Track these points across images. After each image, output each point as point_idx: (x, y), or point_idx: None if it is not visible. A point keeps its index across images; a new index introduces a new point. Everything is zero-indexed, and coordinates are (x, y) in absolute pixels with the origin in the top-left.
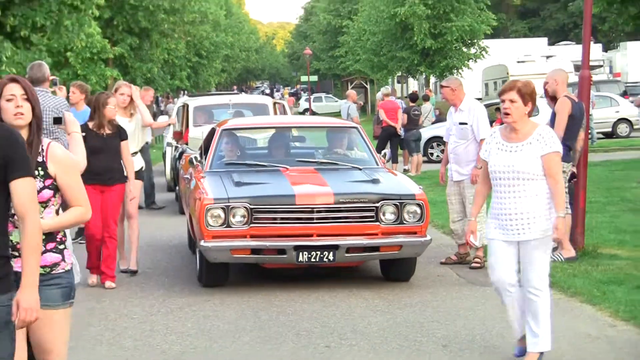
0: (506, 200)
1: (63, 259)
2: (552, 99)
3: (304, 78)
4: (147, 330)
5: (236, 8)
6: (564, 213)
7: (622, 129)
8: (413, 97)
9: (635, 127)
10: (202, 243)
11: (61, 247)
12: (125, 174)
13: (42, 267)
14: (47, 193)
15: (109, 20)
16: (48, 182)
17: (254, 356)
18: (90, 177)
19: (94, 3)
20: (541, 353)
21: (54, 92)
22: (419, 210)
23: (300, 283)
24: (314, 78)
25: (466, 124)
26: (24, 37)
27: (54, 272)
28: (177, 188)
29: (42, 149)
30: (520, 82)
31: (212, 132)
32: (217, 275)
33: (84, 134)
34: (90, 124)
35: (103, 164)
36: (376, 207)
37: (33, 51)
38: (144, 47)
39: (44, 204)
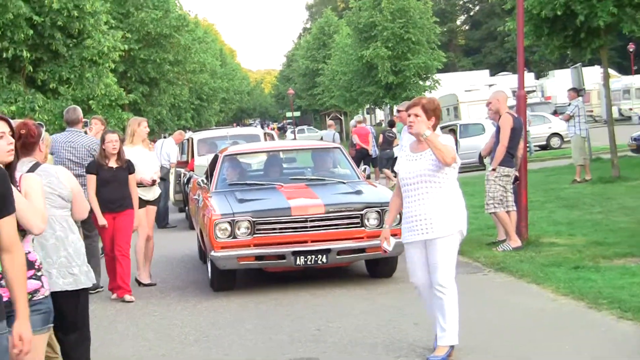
0: (412, 204)
1: (42, 285)
2: (497, 114)
3: (288, 114)
4: (166, 324)
5: (229, 59)
6: (430, 134)
7: (555, 141)
8: (391, 123)
9: (565, 139)
10: (212, 253)
11: (39, 273)
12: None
13: None
14: None
15: (123, 72)
16: None
17: (257, 340)
18: (102, 205)
19: (110, 58)
20: (451, 346)
21: (85, 132)
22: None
23: (292, 280)
24: (297, 113)
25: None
26: (52, 89)
27: (34, 298)
28: (187, 208)
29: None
30: (425, 99)
31: (215, 159)
32: (226, 280)
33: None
34: (99, 158)
35: (113, 194)
36: (361, 214)
37: (61, 100)
38: (154, 93)
39: (23, 232)
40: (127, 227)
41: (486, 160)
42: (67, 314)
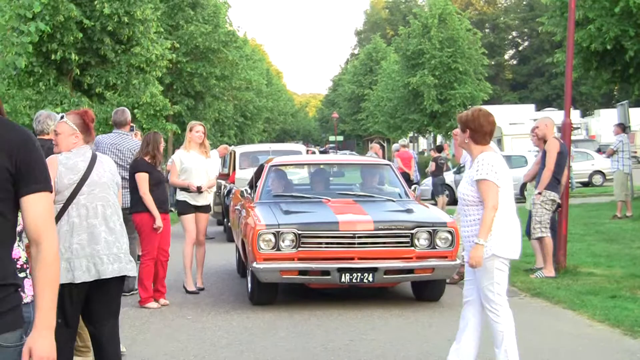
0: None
1: (22, 290)
2: (542, 141)
3: (331, 138)
4: (199, 327)
5: (275, 79)
6: (482, 241)
7: (597, 179)
8: (439, 149)
9: (607, 177)
10: (254, 265)
11: (22, 274)
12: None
13: None
14: None
15: (169, 84)
16: None
17: (289, 347)
18: (157, 206)
19: (157, 66)
20: None
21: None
22: (450, 237)
23: (327, 294)
24: (340, 138)
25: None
26: (98, 94)
27: None
28: (225, 220)
29: None
30: (460, 114)
31: (260, 169)
32: (266, 294)
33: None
34: (147, 158)
35: (164, 195)
36: (411, 233)
37: (106, 105)
38: (199, 107)
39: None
40: (168, 231)
41: (530, 185)
42: (112, 301)
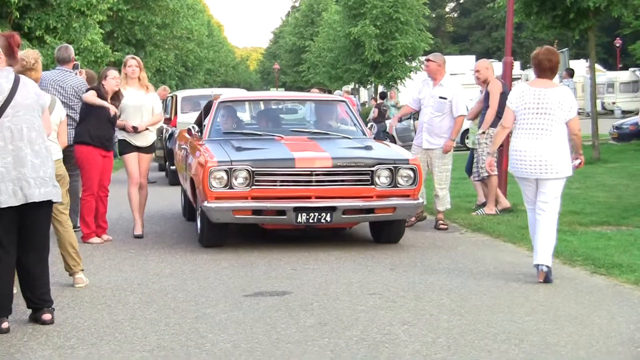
0: None
1: None
2: (484, 82)
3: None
4: (142, 260)
5: (217, 31)
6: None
7: None
8: (382, 95)
9: None
10: (205, 204)
11: None
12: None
13: None
14: None
15: (110, 32)
16: None
17: (232, 275)
18: (97, 141)
19: (98, 9)
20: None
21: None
22: (412, 174)
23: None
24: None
25: (446, 98)
26: (38, 37)
27: None
28: (167, 164)
29: None
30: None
31: (208, 105)
32: (217, 235)
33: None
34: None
35: (108, 132)
36: (372, 171)
37: (46, 49)
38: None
39: None
40: (110, 167)
41: (472, 124)
42: (46, 226)
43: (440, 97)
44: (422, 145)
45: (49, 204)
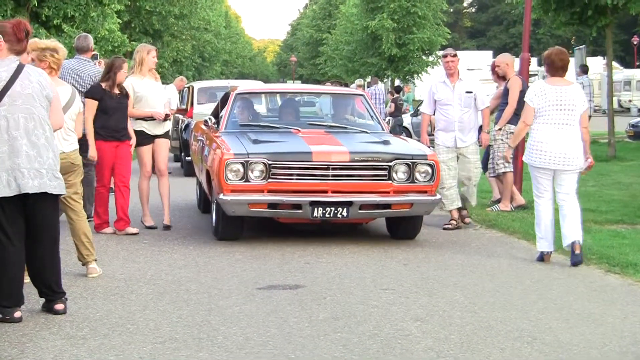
0: None
1: None
2: (502, 78)
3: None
4: (156, 251)
5: (234, 23)
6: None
7: None
8: (398, 89)
9: None
10: (220, 196)
11: None
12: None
13: None
14: None
15: (127, 22)
16: None
17: (245, 268)
18: (108, 133)
19: None
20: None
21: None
22: (430, 170)
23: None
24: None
25: (471, 92)
26: (56, 26)
27: None
28: (182, 155)
29: None
30: None
31: (225, 97)
32: (232, 228)
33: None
34: (104, 84)
35: (120, 123)
36: (389, 166)
37: (64, 37)
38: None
39: None
40: (129, 157)
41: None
42: (50, 218)
43: (467, 92)
44: (455, 145)
45: (51, 195)
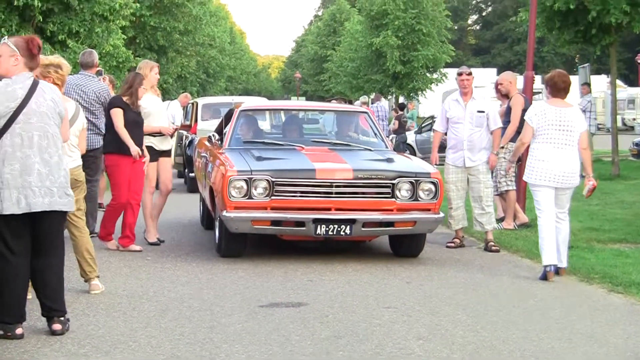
0: None
1: None
2: (505, 96)
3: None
4: (159, 267)
5: (239, 39)
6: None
7: None
8: (402, 107)
9: None
10: (223, 213)
11: None
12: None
13: None
14: None
15: (132, 38)
16: None
17: (248, 285)
18: (126, 149)
19: (120, 15)
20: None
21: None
22: (433, 188)
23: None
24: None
25: (483, 112)
26: (61, 41)
27: None
28: (186, 172)
29: None
30: None
31: (229, 114)
32: (235, 245)
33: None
34: (125, 99)
35: (139, 138)
36: (392, 183)
37: (68, 53)
38: (162, 61)
39: None
40: (142, 174)
41: None
42: (57, 234)
43: (479, 112)
44: (463, 165)
45: (60, 213)
